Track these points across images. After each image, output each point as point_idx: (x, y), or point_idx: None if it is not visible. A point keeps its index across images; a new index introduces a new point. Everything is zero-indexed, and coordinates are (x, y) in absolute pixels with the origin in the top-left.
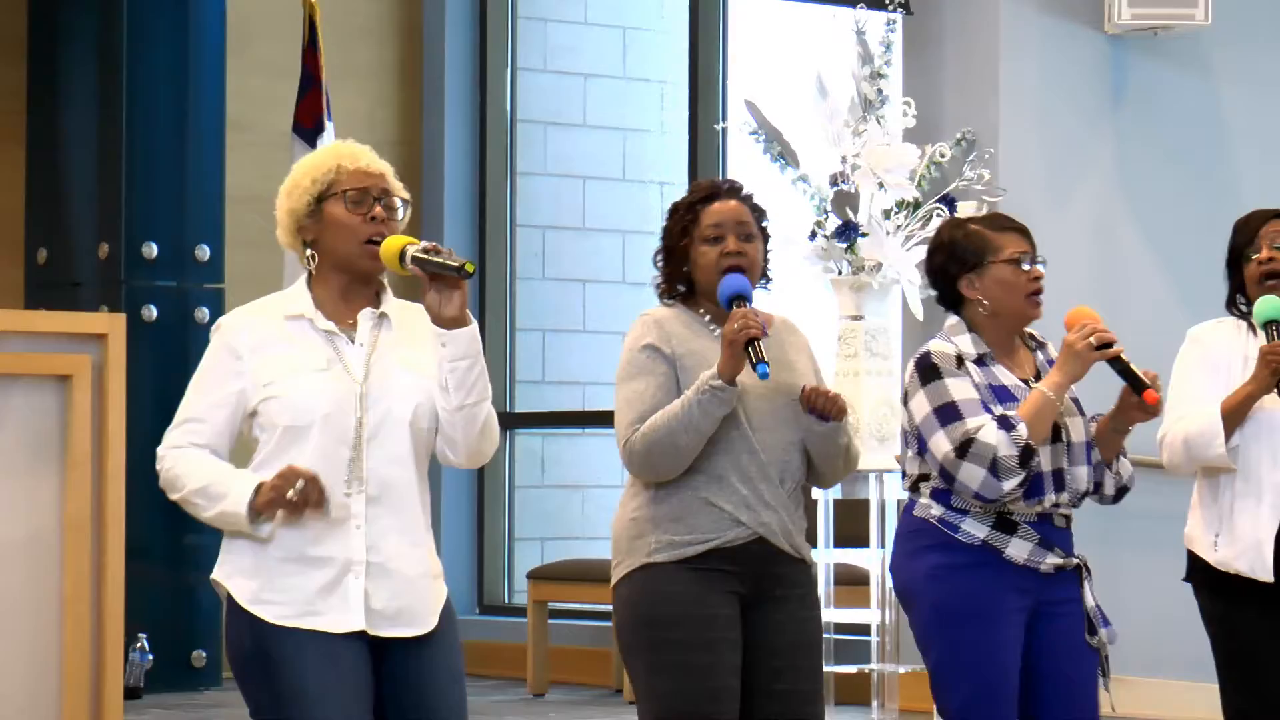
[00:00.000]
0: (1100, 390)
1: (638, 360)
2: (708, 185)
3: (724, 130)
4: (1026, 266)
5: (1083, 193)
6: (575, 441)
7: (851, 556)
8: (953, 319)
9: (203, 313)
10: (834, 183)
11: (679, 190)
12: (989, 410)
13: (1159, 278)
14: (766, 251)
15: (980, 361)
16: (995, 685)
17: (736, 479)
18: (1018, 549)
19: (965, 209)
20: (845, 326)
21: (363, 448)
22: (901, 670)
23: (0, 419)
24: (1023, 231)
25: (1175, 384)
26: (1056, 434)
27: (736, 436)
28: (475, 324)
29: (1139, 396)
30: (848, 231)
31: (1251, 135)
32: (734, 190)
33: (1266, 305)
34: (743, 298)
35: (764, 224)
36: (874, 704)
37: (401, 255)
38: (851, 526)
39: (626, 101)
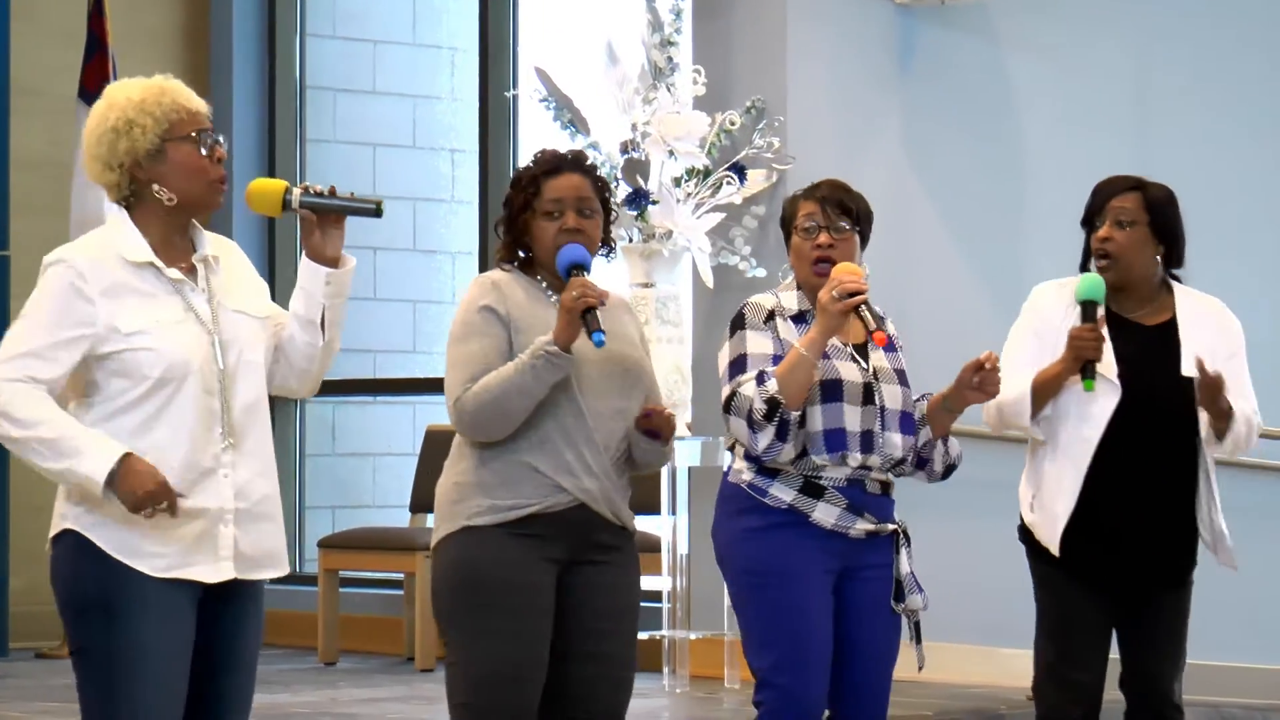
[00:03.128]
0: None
1: (473, 321)
2: (552, 158)
3: (514, 98)
4: (811, 233)
5: (872, 161)
6: (365, 410)
7: (642, 523)
8: (790, 277)
9: None
10: (624, 150)
11: (470, 158)
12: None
13: (949, 243)
14: (609, 223)
15: (800, 318)
16: (804, 645)
17: (561, 443)
18: (825, 513)
19: (755, 177)
20: (635, 294)
21: (227, 397)
22: (693, 636)
23: None
24: (820, 198)
25: (1006, 346)
26: (869, 397)
27: (564, 400)
28: (354, 260)
29: (869, 337)
30: (638, 199)
31: (1037, 103)
32: (577, 164)
33: (1085, 284)
34: (580, 267)
35: (606, 195)
36: (665, 670)
37: (285, 200)
38: (643, 493)
39: (416, 68)
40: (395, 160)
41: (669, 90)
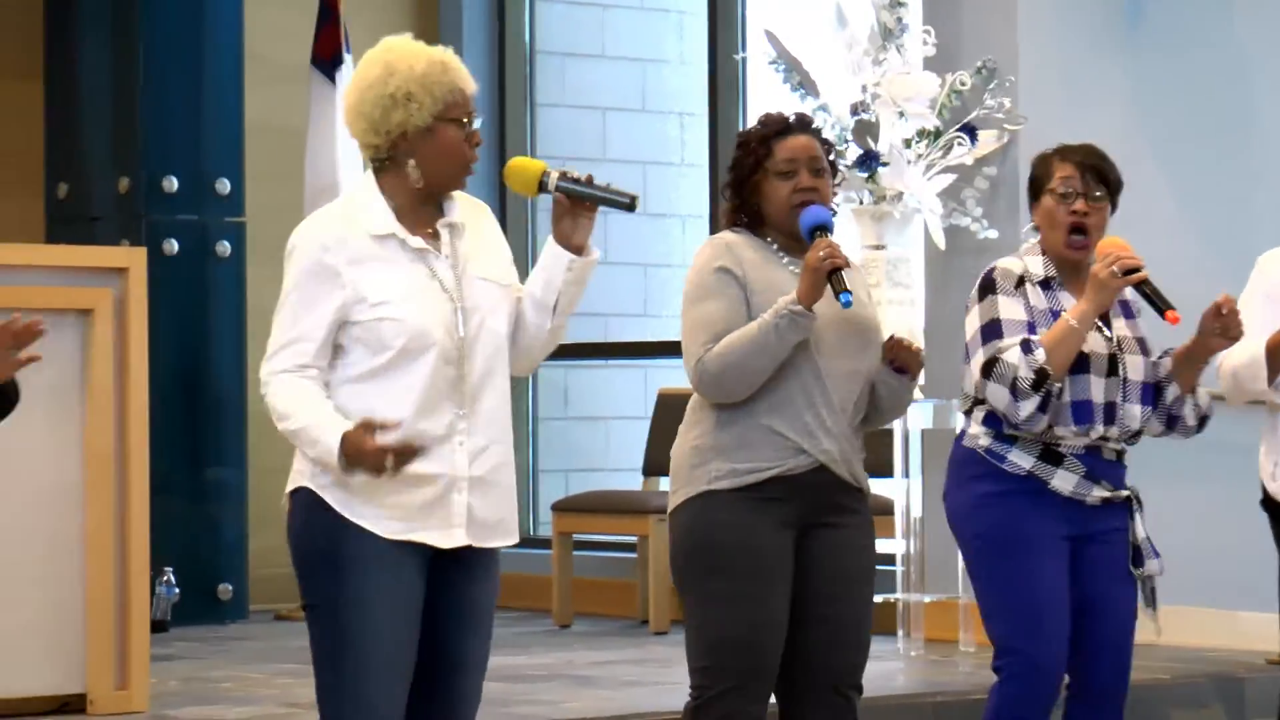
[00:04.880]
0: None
1: (709, 282)
2: (780, 119)
3: (743, 60)
4: (1067, 199)
5: (1102, 121)
6: (597, 373)
7: (876, 486)
8: (1032, 240)
9: (224, 246)
10: (854, 112)
11: (699, 121)
12: (1034, 334)
13: (1176, 207)
14: (834, 186)
15: (1046, 284)
16: (1039, 613)
17: (801, 405)
18: (1063, 480)
19: (986, 137)
20: (867, 256)
21: (465, 365)
22: (927, 600)
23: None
24: (1079, 163)
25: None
26: (1113, 368)
27: (803, 361)
28: (598, 252)
29: (1161, 317)
30: (868, 161)
31: (1268, 64)
32: (805, 125)
33: None
34: (825, 228)
35: (832, 158)
36: (900, 633)
37: (542, 182)
38: (876, 456)
39: (645, 32)
40: (624, 124)
41: (898, 51)
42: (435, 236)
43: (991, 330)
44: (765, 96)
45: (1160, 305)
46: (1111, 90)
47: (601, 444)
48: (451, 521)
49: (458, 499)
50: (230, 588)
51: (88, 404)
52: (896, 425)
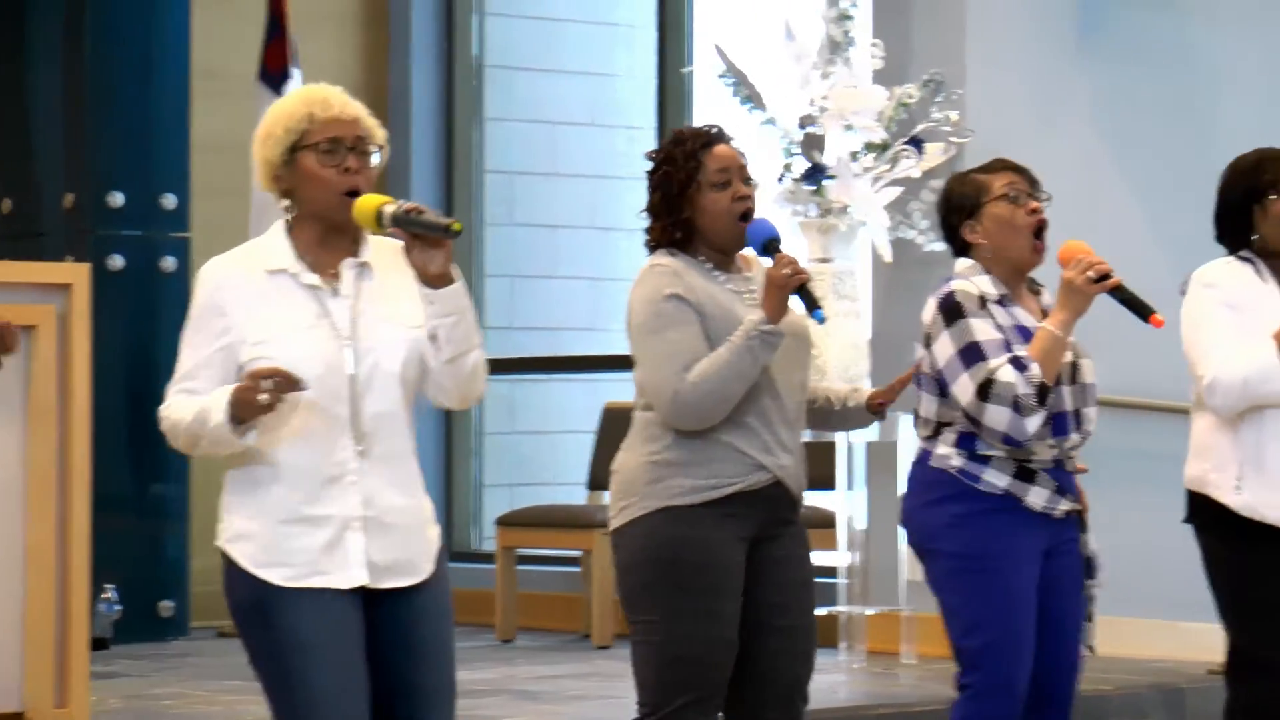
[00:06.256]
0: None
1: (666, 311)
2: (700, 132)
3: (692, 74)
4: (1019, 201)
5: (1054, 133)
6: (544, 387)
7: (819, 499)
8: (965, 261)
9: (169, 262)
10: (802, 125)
11: (647, 135)
12: (1010, 351)
13: (1136, 214)
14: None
15: (1001, 302)
16: (1017, 630)
17: (758, 423)
18: (1037, 496)
19: (933, 150)
20: (813, 269)
21: (357, 404)
22: (869, 612)
23: None
24: (1018, 170)
25: (1200, 329)
26: (1075, 375)
27: (761, 380)
28: (461, 280)
29: (1145, 322)
30: (815, 174)
31: (1222, 68)
32: (725, 136)
33: None
34: (777, 241)
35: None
36: (841, 645)
37: (378, 216)
38: (819, 468)
39: (594, 46)
40: (573, 138)
41: (846, 64)
42: (337, 277)
43: (972, 353)
44: (713, 110)
45: (1142, 310)
46: (1065, 102)
47: (547, 458)
48: (349, 561)
49: (353, 539)
50: (172, 605)
51: (30, 420)
52: (840, 438)
